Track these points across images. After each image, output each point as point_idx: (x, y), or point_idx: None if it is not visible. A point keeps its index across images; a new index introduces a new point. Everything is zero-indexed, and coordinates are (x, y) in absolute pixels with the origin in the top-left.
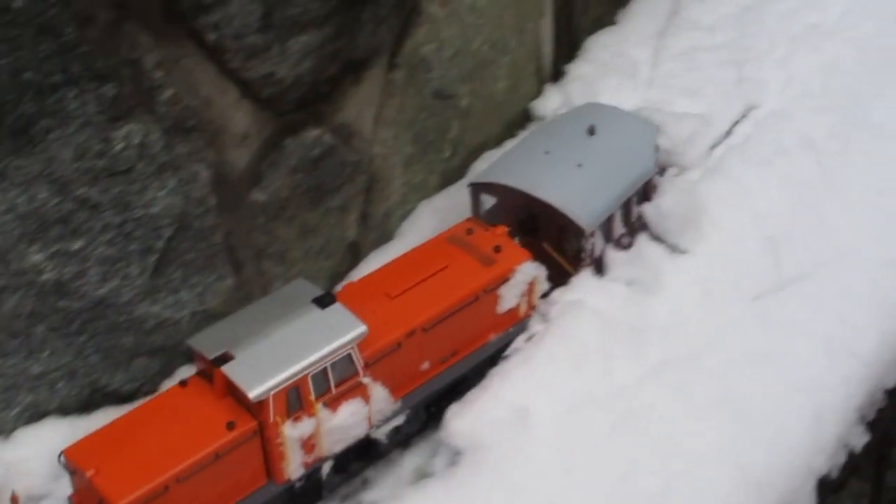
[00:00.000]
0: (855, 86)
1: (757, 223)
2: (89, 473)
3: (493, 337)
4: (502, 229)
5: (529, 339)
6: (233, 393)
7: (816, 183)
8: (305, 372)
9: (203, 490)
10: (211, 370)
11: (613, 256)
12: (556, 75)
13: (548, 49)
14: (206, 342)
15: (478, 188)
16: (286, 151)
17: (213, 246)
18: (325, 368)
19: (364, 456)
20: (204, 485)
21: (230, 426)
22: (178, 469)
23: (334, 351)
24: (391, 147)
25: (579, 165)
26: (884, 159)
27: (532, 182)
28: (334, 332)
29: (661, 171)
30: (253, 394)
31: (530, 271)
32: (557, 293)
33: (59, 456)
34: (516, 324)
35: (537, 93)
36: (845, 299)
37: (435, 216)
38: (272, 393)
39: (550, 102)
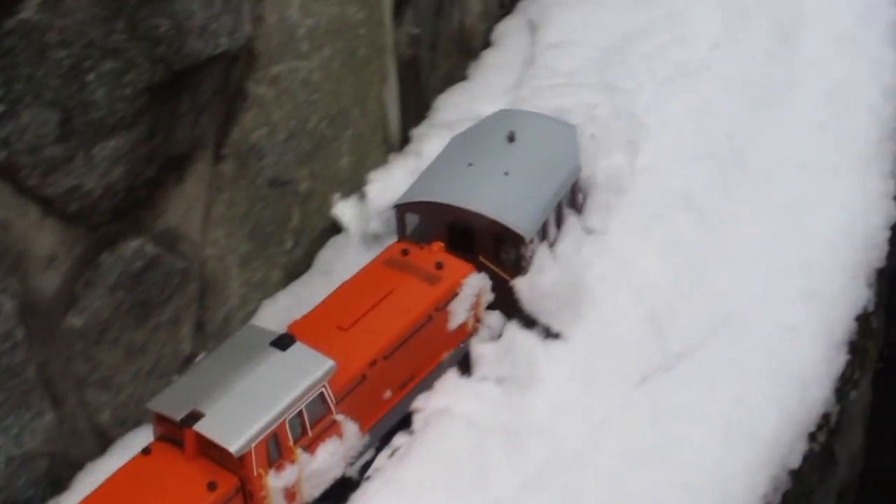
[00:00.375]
0: (730, 128)
1: (637, 296)
2: None
3: (445, 355)
4: (438, 246)
5: (392, 454)
6: (207, 452)
7: (698, 245)
8: (283, 418)
9: None
10: (178, 432)
11: (481, 353)
12: (405, 141)
13: (394, 115)
14: (169, 403)
15: (403, 209)
16: (103, 268)
17: (26, 382)
18: (300, 411)
19: (338, 495)
20: None
21: (212, 487)
22: None
23: (307, 391)
24: (224, 246)
25: (506, 173)
26: (766, 209)
27: (462, 195)
28: (303, 372)
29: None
30: (234, 448)
31: (477, 284)
32: (421, 400)
33: None
34: (465, 339)
35: (386, 164)
36: (739, 374)
37: (280, 315)
38: (254, 445)
39: (396, 173)
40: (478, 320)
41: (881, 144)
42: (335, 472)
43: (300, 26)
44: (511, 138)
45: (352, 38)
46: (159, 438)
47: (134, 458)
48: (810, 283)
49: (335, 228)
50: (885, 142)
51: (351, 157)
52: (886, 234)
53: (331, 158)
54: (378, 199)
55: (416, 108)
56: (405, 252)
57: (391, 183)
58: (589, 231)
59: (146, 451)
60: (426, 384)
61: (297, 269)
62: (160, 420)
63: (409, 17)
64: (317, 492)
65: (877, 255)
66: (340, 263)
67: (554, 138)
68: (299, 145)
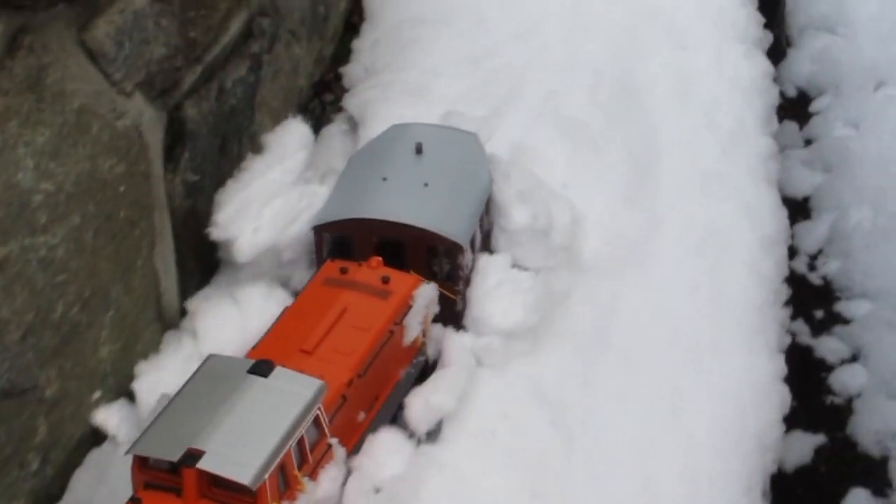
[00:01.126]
0: None
1: None
2: None
3: (402, 373)
4: (377, 261)
5: None
6: (207, 494)
7: (555, 453)
8: (288, 444)
9: None
10: (168, 477)
11: None
12: (185, 314)
13: (170, 283)
14: (156, 446)
15: (322, 230)
16: None
17: None
18: (301, 436)
19: None
20: None
21: None
22: None
23: (306, 413)
24: None
25: (426, 185)
26: (636, 403)
27: (390, 209)
28: (296, 396)
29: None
30: (249, 481)
31: (427, 294)
32: None
33: None
34: (417, 355)
35: (159, 347)
36: None
37: None
38: (266, 476)
39: (167, 360)
40: (424, 334)
41: (765, 311)
42: (336, 501)
43: (35, 193)
44: (419, 150)
45: (109, 199)
46: (147, 488)
47: None
48: (697, 501)
49: (98, 437)
50: (770, 307)
51: (113, 344)
52: (781, 429)
53: (86, 351)
54: (149, 395)
55: (199, 272)
56: (344, 270)
57: (163, 374)
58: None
59: (136, 502)
60: (389, 405)
61: (49, 493)
62: (143, 466)
63: (185, 161)
64: None
65: (772, 458)
66: (105, 484)
67: (460, 148)
68: (41, 342)
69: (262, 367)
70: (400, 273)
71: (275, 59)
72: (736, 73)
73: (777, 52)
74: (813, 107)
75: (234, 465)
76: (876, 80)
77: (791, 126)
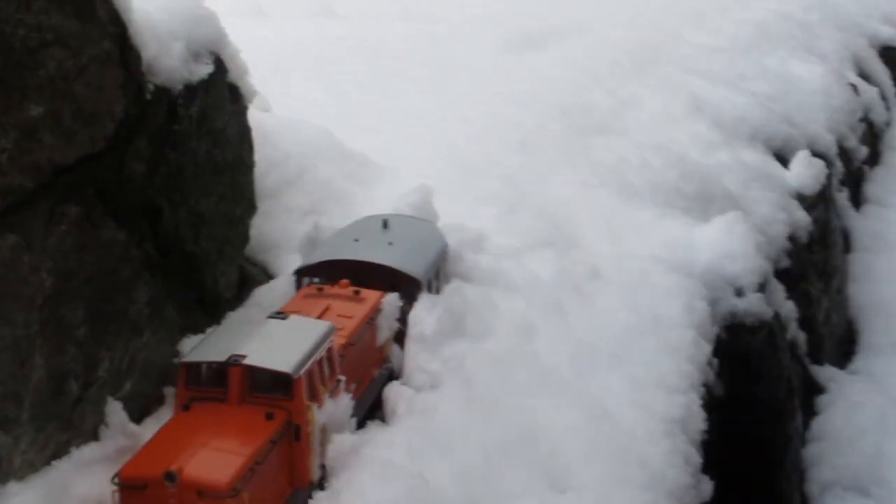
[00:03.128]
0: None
1: None
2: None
3: (375, 373)
4: (346, 282)
5: None
6: (248, 399)
7: None
8: (313, 357)
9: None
10: (210, 391)
11: None
12: None
13: None
14: (205, 354)
15: (303, 272)
16: None
17: None
18: (321, 360)
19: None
20: (266, 479)
21: (269, 417)
22: (254, 449)
23: (323, 340)
24: None
25: (390, 244)
26: None
27: (359, 253)
28: (312, 329)
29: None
30: (291, 369)
31: (394, 302)
32: None
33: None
34: (385, 362)
35: None
36: None
37: None
38: (302, 372)
39: None
40: (388, 348)
41: None
42: (347, 431)
43: None
44: (385, 225)
45: None
46: (192, 401)
47: (176, 416)
48: None
49: None
50: None
51: None
52: None
53: None
54: None
55: None
56: (320, 289)
57: None
58: None
59: (186, 408)
60: (367, 395)
61: None
62: (188, 385)
63: None
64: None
65: None
66: None
67: (421, 226)
68: None
69: (279, 314)
70: (367, 290)
71: None
72: None
73: None
74: None
75: (275, 361)
76: None
77: None
